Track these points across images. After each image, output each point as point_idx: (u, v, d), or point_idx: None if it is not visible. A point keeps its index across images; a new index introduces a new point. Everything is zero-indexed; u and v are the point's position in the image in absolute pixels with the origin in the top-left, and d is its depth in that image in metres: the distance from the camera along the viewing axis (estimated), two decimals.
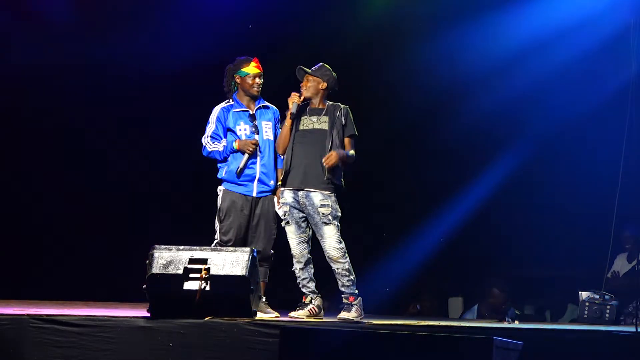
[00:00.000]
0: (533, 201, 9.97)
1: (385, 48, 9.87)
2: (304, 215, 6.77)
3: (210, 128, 6.93)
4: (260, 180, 6.87)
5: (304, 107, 6.88)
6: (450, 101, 9.98)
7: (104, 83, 9.54)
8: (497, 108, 9.69)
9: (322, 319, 6.74)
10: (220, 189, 6.93)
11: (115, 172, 9.70)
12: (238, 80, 6.98)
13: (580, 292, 8.31)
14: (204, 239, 6.81)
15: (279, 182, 6.85)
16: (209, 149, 6.89)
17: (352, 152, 6.83)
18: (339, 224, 6.72)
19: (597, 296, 8.16)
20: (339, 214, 6.74)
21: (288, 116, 6.81)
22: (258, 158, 6.88)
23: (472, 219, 9.93)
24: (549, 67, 9.55)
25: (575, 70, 9.40)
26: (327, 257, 6.75)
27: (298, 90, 6.88)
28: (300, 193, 6.74)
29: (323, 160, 6.67)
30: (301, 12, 9.51)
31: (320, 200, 6.70)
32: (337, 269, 6.72)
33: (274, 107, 7.07)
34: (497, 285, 9.65)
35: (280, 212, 6.81)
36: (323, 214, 6.69)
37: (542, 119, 9.81)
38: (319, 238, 6.75)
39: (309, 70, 6.89)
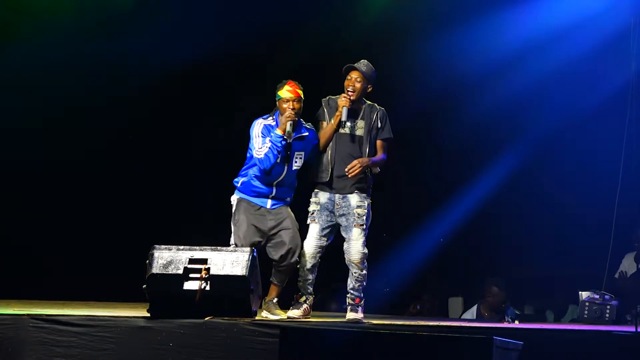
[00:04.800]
0: (533, 201, 9.97)
1: (385, 48, 9.86)
2: (332, 220, 6.76)
3: (257, 143, 6.75)
4: (274, 197, 6.84)
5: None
6: (450, 101, 9.98)
7: (103, 82, 9.53)
8: (498, 108, 9.69)
9: (310, 318, 6.76)
10: (235, 198, 6.91)
11: (115, 172, 9.70)
12: (277, 104, 6.84)
13: (580, 292, 8.32)
14: (204, 239, 6.81)
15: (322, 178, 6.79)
16: (263, 157, 6.68)
17: (381, 156, 6.80)
18: (367, 231, 6.74)
19: (597, 296, 8.16)
20: (370, 219, 6.77)
21: (336, 121, 6.73)
22: (278, 182, 6.80)
23: (472, 218, 9.93)
24: (549, 67, 9.55)
25: (575, 70, 9.40)
26: (347, 261, 6.76)
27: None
28: (337, 195, 6.75)
29: (346, 170, 6.66)
30: (301, 12, 9.51)
31: (358, 201, 6.72)
32: (355, 272, 6.74)
33: (314, 133, 6.87)
34: (496, 284, 9.66)
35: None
36: (358, 214, 6.70)
37: (542, 119, 9.81)
38: (346, 240, 6.75)
39: (361, 68, 6.76)
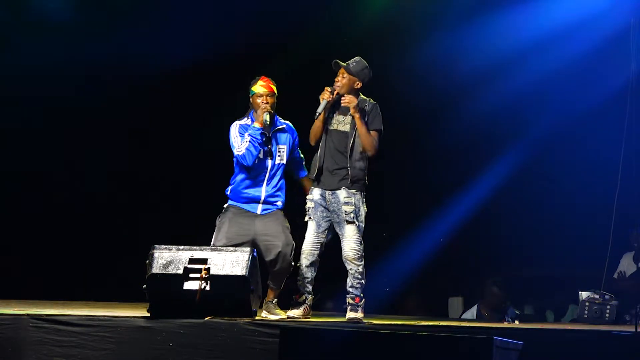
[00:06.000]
0: (533, 201, 9.97)
1: (385, 48, 9.86)
2: (328, 216, 6.76)
3: (236, 142, 6.77)
4: (264, 202, 6.84)
5: (336, 101, 6.74)
6: (451, 101, 9.97)
7: (103, 82, 9.54)
8: (498, 108, 9.68)
9: (310, 318, 6.76)
10: (225, 205, 6.90)
11: (115, 172, 9.71)
12: (251, 100, 6.87)
13: (580, 292, 8.32)
14: (204, 239, 6.81)
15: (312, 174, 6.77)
16: (244, 152, 6.71)
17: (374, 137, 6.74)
18: (362, 225, 6.71)
19: (597, 296, 8.15)
20: (363, 213, 6.73)
21: (317, 115, 6.71)
22: (265, 181, 6.83)
23: (472, 219, 9.92)
24: (549, 67, 9.54)
25: (575, 70, 9.39)
26: (343, 257, 6.74)
27: (331, 84, 6.75)
28: (327, 192, 6.74)
29: (342, 100, 6.63)
30: (301, 12, 9.51)
31: (345, 197, 6.69)
32: (351, 269, 6.73)
33: (292, 128, 6.94)
34: (496, 284, 9.65)
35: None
36: (346, 211, 6.68)
37: (542, 119, 9.81)
38: (340, 237, 6.73)
39: (344, 64, 6.75)
